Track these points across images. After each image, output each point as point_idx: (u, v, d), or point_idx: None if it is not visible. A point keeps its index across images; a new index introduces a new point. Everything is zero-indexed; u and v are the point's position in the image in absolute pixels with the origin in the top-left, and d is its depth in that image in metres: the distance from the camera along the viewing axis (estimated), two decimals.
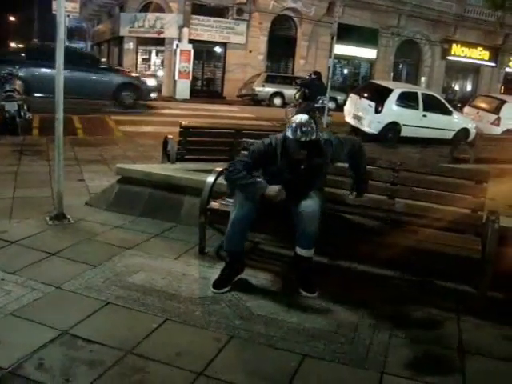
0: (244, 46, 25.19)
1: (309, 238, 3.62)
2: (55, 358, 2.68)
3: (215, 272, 3.92)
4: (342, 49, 23.55)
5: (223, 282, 3.67)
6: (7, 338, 2.82)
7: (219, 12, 24.65)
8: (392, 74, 29.32)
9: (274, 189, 3.59)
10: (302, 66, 26.10)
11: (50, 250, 4.05)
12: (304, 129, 3.52)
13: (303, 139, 3.52)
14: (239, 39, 25.01)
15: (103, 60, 21.87)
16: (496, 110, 15.08)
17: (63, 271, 3.69)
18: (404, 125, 13.71)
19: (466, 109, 16.70)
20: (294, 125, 3.55)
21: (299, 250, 3.68)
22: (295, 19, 26.18)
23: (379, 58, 28.78)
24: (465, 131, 14.33)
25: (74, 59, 13.63)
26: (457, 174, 4.13)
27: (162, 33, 23.99)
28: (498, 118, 14.79)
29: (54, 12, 12.77)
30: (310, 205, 3.60)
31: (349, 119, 14.87)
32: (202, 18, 23.89)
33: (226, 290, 3.62)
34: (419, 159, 11.36)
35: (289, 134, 3.56)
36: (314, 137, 3.55)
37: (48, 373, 2.56)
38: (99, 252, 4.11)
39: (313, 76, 15.62)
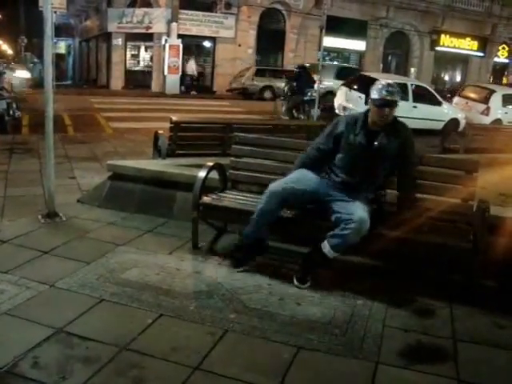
0: (233, 40, 25.15)
1: (346, 245, 3.60)
2: (51, 356, 2.68)
3: (209, 266, 3.94)
4: (331, 41, 23.60)
5: (240, 262, 3.93)
6: (2, 337, 2.82)
7: (207, 6, 24.59)
8: (381, 65, 29.39)
9: None
10: (291, 59, 26.09)
11: (42, 249, 4.04)
12: (390, 89, 3.60)
13: (389, 98, 3.57)
14: (228, 33, 24.96)
15: None
16: (485, 100, 15.15)
17: (57, 269, 3.69)
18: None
19: (456, 99, 16.76)
20: (380, 85, 3.63)
21: (327, 249, 3.63)
22: (284, 12, 26.16)
23: (368, 50, 28.85)
24: (455, 121, 14.40)
25: None
26: (447, 164, 4.15)
27: (151, 28, 23.90)
28: (488, 108, 14.86)
29: (40, 8, 12.65)
30: (364, 219, 3.53)
31: (339, 111, 14.89)
32: (190, 12, 23.82)
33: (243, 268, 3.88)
34: None
35: (374, 95, 3.61)
36: (398, 98, 3.63)
37: (44, 370, 2.56)
38: (92, 249, 4.11)
39: (299, 69, 15.63)
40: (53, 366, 2.61)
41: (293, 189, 3.75)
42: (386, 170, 3.84)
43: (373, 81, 14.49)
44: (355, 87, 14.39)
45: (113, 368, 2.62)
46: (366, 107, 3.78)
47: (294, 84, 15.12)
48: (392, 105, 3.62)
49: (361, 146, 3.73)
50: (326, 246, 3.64)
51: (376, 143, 3.70)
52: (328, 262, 3.72)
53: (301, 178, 3.84)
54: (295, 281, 3.69)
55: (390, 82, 3.74)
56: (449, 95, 19.57)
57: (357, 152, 3.74)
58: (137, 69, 25.33)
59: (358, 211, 3.55)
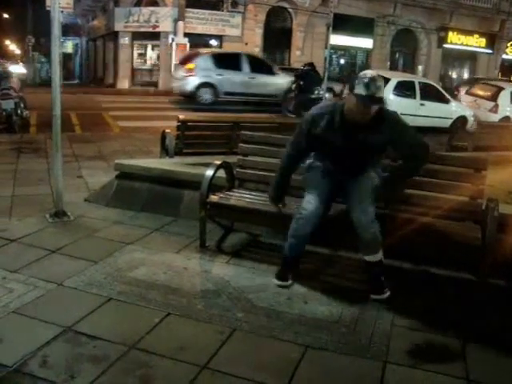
0: (240, 38, 25.09)
1: (368, 245, 3.50)
2: (59, 355, 2.69)
3: (216, 265, 3.94)
4: (337, 39, 23.52)
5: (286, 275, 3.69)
6: (11, 336, 2.83)
7: (214, 5, 24.55)
8: (389, 63, 29.26)
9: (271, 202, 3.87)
10: (298, 58, 26.01)
11: (50, 248, 4.05)
12: (378, 83, 3.23)
13: (377, 95, 3.22)
14: (235, 32, 24.91)
15: None
16: (493, 97, 15.05)
17: (65, 268, 3.70)
18: (401, 114, 13.58)
19: (464, 96, 16.67)
20: (366, 80, 3.21)
21: (365, 257, 3.58)
22: (290, 10, 26.07)
23: (375, 48, 28.71)
24: (463, 119, 14.32)
25: None
26: (455, 163, 4.13)
27: (157, 27, 23.90)
28: (496, 105, 14.77)
29: (47, 8, 12.68)
30: (363, 211, 3.45)
31: None
32: (196, 11, 23.79)
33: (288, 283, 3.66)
34: None
35: (359, 90, 3.21)
36: (382, 94, 3.29)
37: (52, 369, 2.57)
38: (100, 248, 4.12)
39: (306, 67, 15.63)
40: (61, 364, 2.62)
41: (321, 207, 3.58)
42: (378, 154, 3.66)
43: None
44: None
45: (121, 367, 2.63)
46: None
47: (301, 82, 15.12)
48: (380, 102, 3.30)
49: (342, 145, 3.46)
50: (364, 256, 3.59)
51: (359, 142, 3.42)
52: (380, 266, 3.58)
53: (319, 192, 3.61)
54: (372, 296, 3.53)
55: (376, 74, 3.31)
56: (456, 92, 19.37)
57: (339, 150, 3.51)
58: (144, 67, 25.31)
59: (361, 209, 3.48)
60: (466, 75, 32.87)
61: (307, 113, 3.65)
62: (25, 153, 7.91)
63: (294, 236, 3.62)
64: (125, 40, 24.61)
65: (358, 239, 3.52)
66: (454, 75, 32.96)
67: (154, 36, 24.48)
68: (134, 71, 24.93)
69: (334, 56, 27.48)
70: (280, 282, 3.64)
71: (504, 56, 33.10)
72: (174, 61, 22.00)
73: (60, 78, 4.75)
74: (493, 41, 31.80)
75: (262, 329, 3.07)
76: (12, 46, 45.88)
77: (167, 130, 6.62)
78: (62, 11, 17.16)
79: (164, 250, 4.17)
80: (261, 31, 25.45)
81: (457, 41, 30.84)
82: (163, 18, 23.60)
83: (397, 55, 30.71)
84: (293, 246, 3.66)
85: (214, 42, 25.53)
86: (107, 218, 4.87)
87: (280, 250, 4.25)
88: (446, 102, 14.48)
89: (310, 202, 3.58)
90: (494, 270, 3.66)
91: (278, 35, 26.26)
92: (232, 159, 4.59)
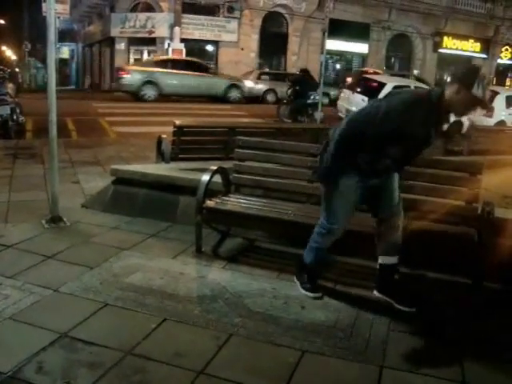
0: (236, 43, 25.21)
1: (395, 243, 3.49)
2: (55, 361, 2.67)
3: (212, 270, 3.94)
4: (333, 44, 23.64)
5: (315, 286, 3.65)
6: (6, 342, 2.82)
7: (210, 10, 24.66)
8: (384, 68, 29.39)
9: None
10: (294, 63, 26.14)
11: (46, 253, 4.04)
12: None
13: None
14: (231, 37, 25.03)
15: None
16: (489, 102, 15.08)
17: (60, 274, 3.69)
18: None
19: None
20: (484, 81, 3.21)
21: (388, 259, 3.52)
22: (286, 16, 26.21)
23: (371, 53, 28.87)
24: (458, 123, 14.32)
25: None
26: (451, 167, 4.14)
27: (153, 32, 23.99)
28: (491, 109, 14.80)
29: (44, 14, 12.68)
30: (400, 210, 3.46)
31: (342, 114, 14.89)
32: (192, 16, 23.90)
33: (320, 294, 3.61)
34: None
35: (478, 92, 3.19)
36: None
37: (48, 376, 2.56)
38: (96, 254, 4.11)
39: (302, 73, 15.72)
40: (57, 371, 2.60)
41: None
42: None
43: (377, 83, 14.32)
44: (358, 90, 14.39)
45: (117, 373, 2.62)
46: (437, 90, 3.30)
47: (297, 87, 15.16)
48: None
49: (427, 139, 3.35)
50: (386, 259, 3.54)
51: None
52: (395, 269, 3.59)
53: (352, 204, 3.44)
54: (398, 306, 3.47)
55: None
56: None
57: (418, 144, 3.32)
58: None
59: (398, 209, 3.47)
60: None
61: (398, 104, 3.16)
62: (21, 158, 7.90)
63: (322, 249, 3.57)
64: (121, 45, 24.69)
65: (383, 240, 3.49)
66: (449, 79, 33.05)
67: (151, 41, 24.56)
68: None
69: (330, 61, 27.61)
70: (315, 294, 3.57)
71: (499, 61, 33.30)
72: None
73: (56, 83, 4.74)
74: (487, 46, 32.05)
75: (258, 334, 3.06)
76: (8, 52, 45.89)
77: (163, 136, 6.61)
78: (59, 17, 17.16)
79: (160, 255, 4.17)
80: (257, 36, 25.56)
81: (452, 46, 31.05)
82: (159, 23, 23.69)
83: (392, 60, 30.87)
84: (320, 258, 3.62)
85: (210, 48, 25.63)
86: (103, 223, 4.86)
87: (275, 254, 4.26)
88: None
89: (345, 217, 3.41)
90: (490, 273, 3.67)
91: (273, 40, 26.38)
92: (228, 164, 4.59)
